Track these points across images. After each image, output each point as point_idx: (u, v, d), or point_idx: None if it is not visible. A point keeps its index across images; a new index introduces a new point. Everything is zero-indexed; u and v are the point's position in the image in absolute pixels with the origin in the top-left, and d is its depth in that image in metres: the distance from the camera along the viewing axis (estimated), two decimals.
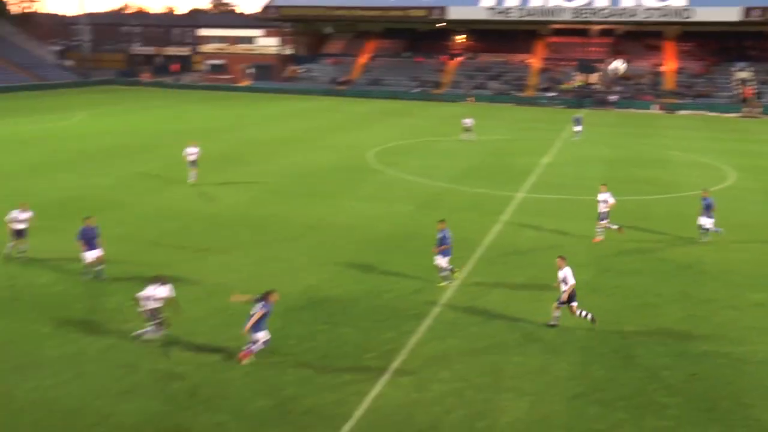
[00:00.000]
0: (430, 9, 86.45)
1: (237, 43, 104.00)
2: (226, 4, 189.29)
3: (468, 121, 49.41)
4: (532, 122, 61.90)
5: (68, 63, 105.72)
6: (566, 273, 17.19)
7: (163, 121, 58.60)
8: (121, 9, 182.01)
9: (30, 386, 14.28)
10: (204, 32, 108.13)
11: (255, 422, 13.20)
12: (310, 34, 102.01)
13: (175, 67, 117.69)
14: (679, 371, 15.46)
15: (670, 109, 74.63)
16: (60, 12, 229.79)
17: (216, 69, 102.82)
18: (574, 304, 17.26)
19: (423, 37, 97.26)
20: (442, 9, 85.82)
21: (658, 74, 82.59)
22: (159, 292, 16.09)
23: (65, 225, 25.56)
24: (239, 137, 48.77)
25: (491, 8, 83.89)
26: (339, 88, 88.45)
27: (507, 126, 58.45)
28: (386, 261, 22.33)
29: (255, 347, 15.32)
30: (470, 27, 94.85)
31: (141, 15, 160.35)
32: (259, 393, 14.16)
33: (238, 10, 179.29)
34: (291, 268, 21.58)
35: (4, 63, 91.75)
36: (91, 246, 19.97)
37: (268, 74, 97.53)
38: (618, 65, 71.60)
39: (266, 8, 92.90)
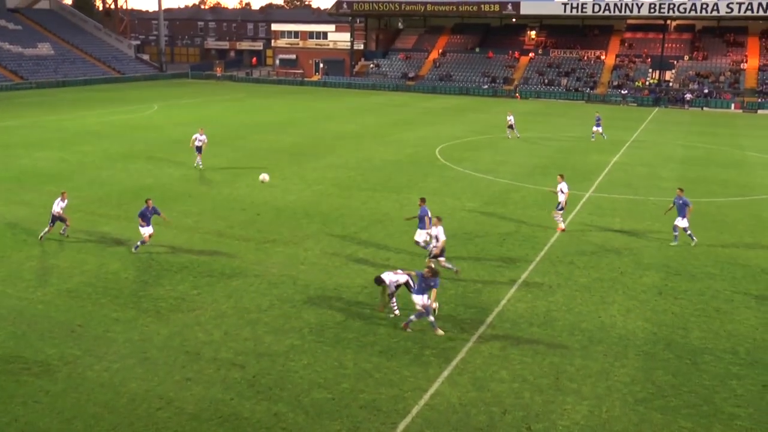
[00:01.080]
0: (503, 4, 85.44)
1: (309, 38, 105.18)
2: (300, 0, 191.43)
3: (510, 118, 48.68)
4: (604, 120, 60.46)
5: (145, 57, 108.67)
6: (439, 231, 20.01)
7: (234, 113, 59.66)
8: (197, 5, 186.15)
9: (99, 368, 14.75)
10: (277, 27, 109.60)
11: (312, 414, 13.30)
12: (381, 29, 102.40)
13: (253, 61, 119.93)
14: (751, 381, 14.87)
15: (750, 108, 71.99)
16: (140, 8, 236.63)
17: (287, 63, 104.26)
18: (442, 258, 19.70)
19: (495, 33, 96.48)
20: (516, 4, 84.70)
21: (738, 72, 79.68)
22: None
23: (136, 214, 26.36)
24: (308, 131, 49.26)
25: (565, 3, 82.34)
26: (409, 84, 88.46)
27: (577, 124, 57.39)
28: (449, 258, 22.19)
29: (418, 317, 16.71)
30: (543, 22, 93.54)
31: (217, 10, 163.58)
32: (318, 385, 14.26)
33: (312, 6, 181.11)
34: (355, 260, 21.73)
35: (87, 57, 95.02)
36: (147, 223, 21.91)
37: (338, 69, 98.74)
38: None
39: (338, 3, 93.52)
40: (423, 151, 41.95)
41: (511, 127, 48.19)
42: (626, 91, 77.56)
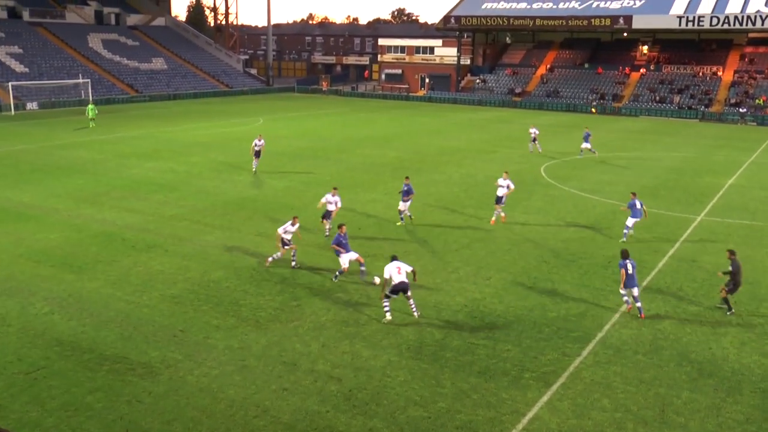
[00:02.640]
0: (614, 18, 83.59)
1: (415, 53, 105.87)
2: (408, 15, 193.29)
3: (534, 131, 47.64)
4: (719, 140, 58.22)
5: (253, 71, 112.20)
6: (336, 200, 25.24)
7: (338, 127, 60.70)
8: (306, 20, 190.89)
9: (199, 373, 15.23)
10: (384, 42, 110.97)
11: (407, 431, 13.28)
12: (488, 44, 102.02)
13: (365, 74, 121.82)
14: None
15: None
16: (249, 23, 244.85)
17: (392, 78, 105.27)
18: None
19: (605, 48, 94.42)
20: (628, 18, 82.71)
21: None
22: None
23: (240, 224, 27.22)
24: (413, 146, 49.53)
25: (681, 16, 79.70)
26: (515, 99, 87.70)
27: (691, 143, 55.35)
28: (553, 278, 21.86)
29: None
30: (656, 36, 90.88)
31: (324, 25, 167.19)
32: (414, 403, 14.24)
33: (420, 20, 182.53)
34: (456, 278, 21.71)
35: (197, 71, 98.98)
36: (347, 250, 20.68)
37: (444, 84, 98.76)
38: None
39: (446, 18, 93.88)
40: (528, 168, 41.52)
41: (534, 140, 47.32)
42: (745, 110, 74.25)
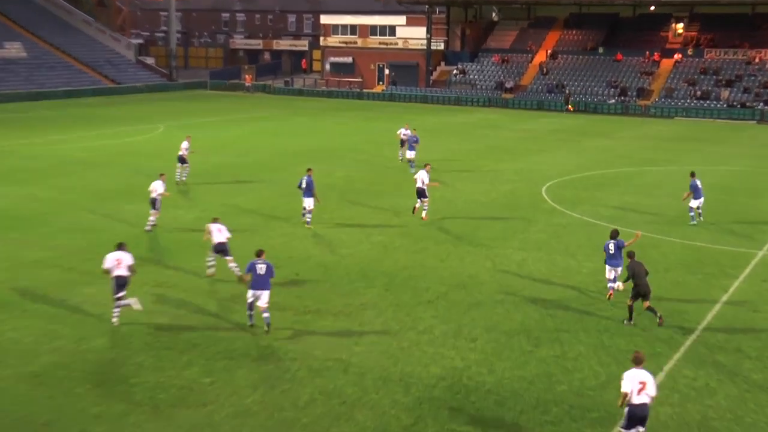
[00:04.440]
0: None
1: (370, 35, 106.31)
2: None
3: (404, 132, 48.52)
4: None
5: (149, 61, 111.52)
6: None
7: (268, 137, 60.86)
8: None
9: None
10: (328, 20, 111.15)
11: None
12: (469, 23, 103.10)
13: (303, 63, 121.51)
14: None
15: None
16: None
17: (340, 69, 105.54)
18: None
19: (625, 26, 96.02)
20: None
21: None
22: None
23: None
24: (368, 161, 49.44)
25: None
26: (506, 97, 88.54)
27: (745, 153, 56.28)
28: (561, 338, 21.87)
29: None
30: (695, 10, 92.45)
31: None
32: None
33: None
34: (430, 340, 21.58)
35: (71, 60, 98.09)
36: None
37: (410, 77, 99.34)
38: None
39: None
40: (524, 189, 41.75)
41: (403, 143, 48.33)
42: None
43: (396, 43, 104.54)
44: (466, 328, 22.46)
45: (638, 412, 15.41)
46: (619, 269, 23.94)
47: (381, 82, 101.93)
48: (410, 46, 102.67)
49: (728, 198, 40.49)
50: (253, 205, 37.03)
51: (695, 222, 33.66)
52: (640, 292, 22.34)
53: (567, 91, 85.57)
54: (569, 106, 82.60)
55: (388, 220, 34.60)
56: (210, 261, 26.53)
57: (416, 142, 46.64)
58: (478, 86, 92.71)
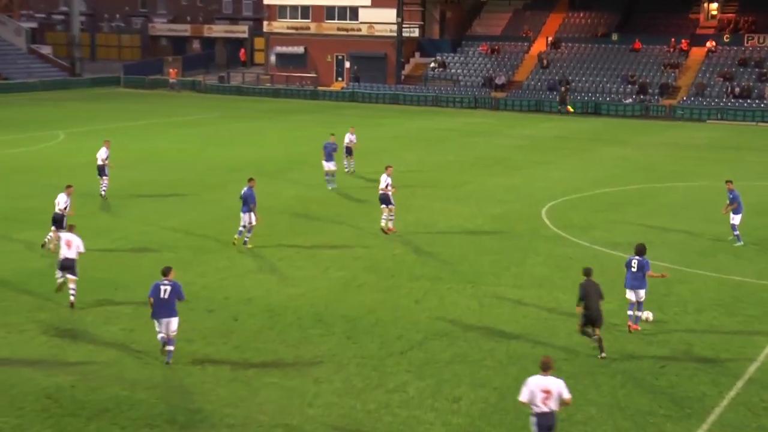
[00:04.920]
0: None
1: (326, 19, 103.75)
2: None
3: (351, 138, 49.05)
4: None
5: (46, 50, 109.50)
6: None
7: (196, 148, 60.01)
8: None
9: None
10: (273, 0, 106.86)
11: None
12: (449, 3, 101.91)
13: (242, 55, 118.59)
14: None
15: None
16: None
17: (289, 61, 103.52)
18: None
19: (644, 8, 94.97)
20: None
21: None
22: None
23: (18, 320, 25.23)
24: (321, 177, 47.41)
25: None
26: (497, 95, 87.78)
27: None
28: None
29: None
30: None
31: None
32: None
33: None
34: (403, 402, 20.46)
35: None
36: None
37: (377, 71, 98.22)
38: None
39: None
40: (520, 210, 41.08)
41: (349, 151, 48.88)
42: None
43: (359, 29, 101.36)
44: (447, 386, 21.40)
45: (544, 422, 16.35)
46: (642, 292, 24.43)
47: (340, 78, 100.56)
48: (376, 33, 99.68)
49: None
50: (179, 232, 35.83)
51: (742, 243, 33.65)
52: (590, 317, 22.64)
53: (564, 88, 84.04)
54: (568, 107, 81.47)
55: (349, 251, 33.50)
56: (58, 275, 26.73)
57: (335, 150, 45.56)
58: (462, 83, 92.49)
